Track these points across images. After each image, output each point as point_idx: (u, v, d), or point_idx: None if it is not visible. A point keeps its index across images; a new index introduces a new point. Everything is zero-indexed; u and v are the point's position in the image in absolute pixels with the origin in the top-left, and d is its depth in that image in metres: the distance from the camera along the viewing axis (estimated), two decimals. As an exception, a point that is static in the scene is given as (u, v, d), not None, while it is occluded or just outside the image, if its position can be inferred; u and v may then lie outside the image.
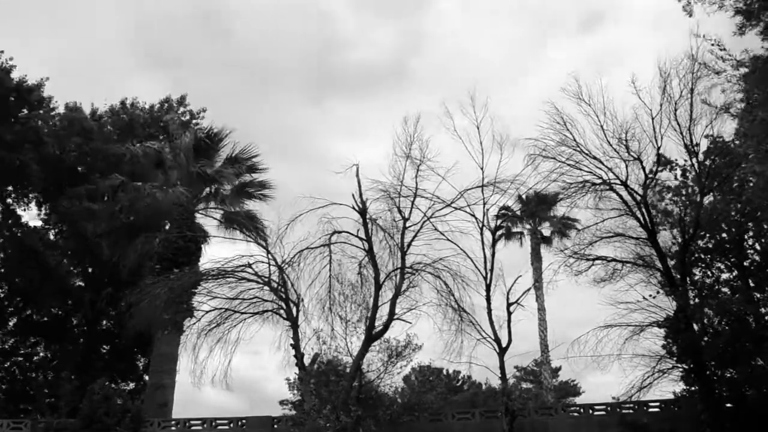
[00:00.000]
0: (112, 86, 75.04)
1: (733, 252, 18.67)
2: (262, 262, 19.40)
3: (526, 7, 79.33)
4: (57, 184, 32.46)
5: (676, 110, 18.61)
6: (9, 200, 33.18)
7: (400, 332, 18.31)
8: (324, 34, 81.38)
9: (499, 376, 18.49)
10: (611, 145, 19.25)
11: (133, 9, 77.42)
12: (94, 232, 30.38)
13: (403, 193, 19.21)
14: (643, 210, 19.08)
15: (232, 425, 20.52)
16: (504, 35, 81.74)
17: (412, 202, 19.17)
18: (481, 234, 19.24)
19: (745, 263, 18.68)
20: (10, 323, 34.08)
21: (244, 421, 20.56)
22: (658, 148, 18.98)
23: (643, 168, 19.13)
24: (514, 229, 35.01)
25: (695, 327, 17.79)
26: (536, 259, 33.59)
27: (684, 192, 19.15)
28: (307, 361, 18.46)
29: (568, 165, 19.44)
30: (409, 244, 18.95)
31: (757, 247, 18.80)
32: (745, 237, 18.79)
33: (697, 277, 19.07)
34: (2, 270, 32.95)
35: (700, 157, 18.82)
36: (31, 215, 33.97)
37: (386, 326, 18.14)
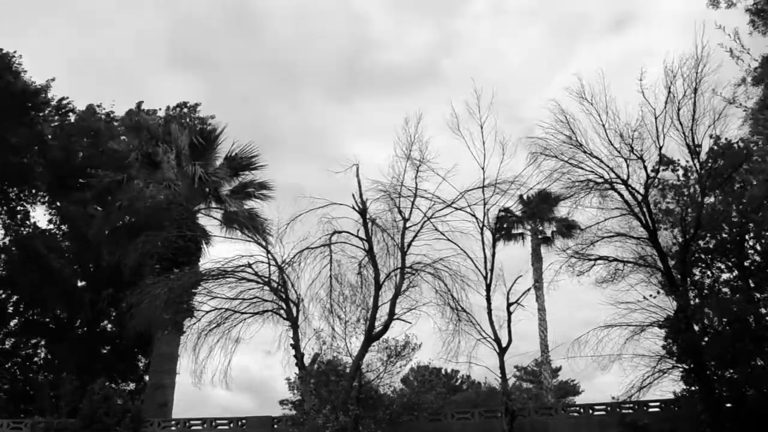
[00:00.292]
0: (143, 86, 75.57)
1: (734, 252, 18.64)
2: (262, 262, 19.44)
3: (557, 8, 79.42)
4: (62, 186, 32.54)
5: (679, 110, 18.58)
6: (14, 203, 33.27)
7: (399, 332, 18.32)
8: (355, 35, 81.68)
9: (499, 376, 18.48)
10: (613, 145, 19.24)
11: (165, 9, 77.79)
12: (95, 234, 30.43)
13: (404, 193, 19.22)
14: (645, 209, 19.06)
15: (232, 425, 20.53)
16: (534, 36, 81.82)
17: (413, 203, 19.18)
18: (482, 234, 19.24)
19: (745, 263, 18.64)
20: (12, 324, 34.13)
21: (244, 421, 20.57)
22: (660, 148, 18.96)
23: (645, 167, 19.08)
24: (515, 231, 35.00)
25: (695, 327, 17.76)
26: (537, 259, 33.57)
27: (685, 192, 19.12)
28: (307, 361, 18.45)
29: (570, 164, 19.44)
30: (409, 244, 18.94)
31: (758, 247, 18.76)
32: (746, 237, 18.75)
33: (697, 277, 19.02)
34: (5, 272, 32.99)
35: (702, 157, 18.80)
36: (35, 218, 34.15)
37: (386, 326, 18.12)
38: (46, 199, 33.97)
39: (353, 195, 19.00)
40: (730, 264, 18.85)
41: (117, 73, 71.58)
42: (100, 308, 32.47)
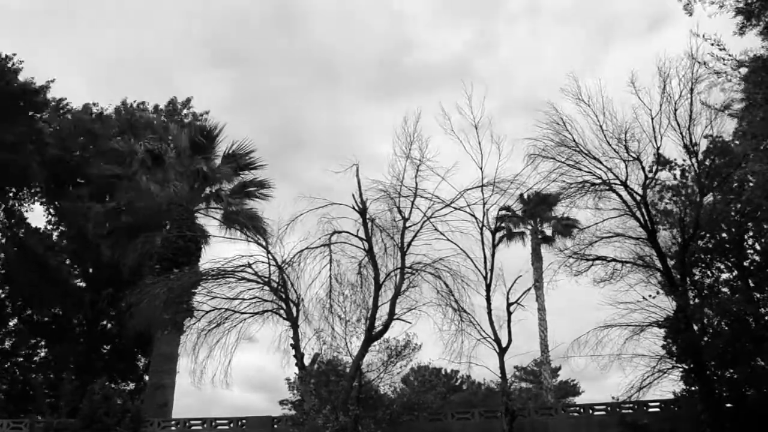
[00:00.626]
0: (180, 83, 75.72)
1: (733, 252, 18.67)
2: (262, 262, 19.43)
3: (593, 9, 79.31)
4: (59, 185, 32.53)
5: (675, 110, 18.61)
6: (11, 201, 33.27)
7: (399, 332, 18.33)
8: (393, 34, 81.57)
9: (499, 376, 18.49)
10: (611, 146, 19.25)
11: (203, 6, 77.97)
12: (95, 233, 30.43)
13: (403, 192, 19.20)
14: (643, 210, 19.06)
15: (232, 425, 20.54)
16: (568, 36, 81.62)
17: (412, 202, 19.17)
18: (481, 234, 19.22)
19: (744, 263, 18.68)
20: (11, 323, 34.13)
21: (244, 420, 20.58)
22: (658, 148, 18.99)
23: (643, 168, 19.12)
24: (515, 230, 35.02)
25: (695, 327, 17.78)
26: (537, 259, 33.60)
27: (683, 192, 19.14)
28: (307, 361, 18.45)
29: (568, 165, 19.44)
30: (409, 244, 18.93)
31: (757, 247, 18.81)
32: (745, 237, 18.79)
33: (697, 277, 19.06)
34: (3, 271, 32.99)
35: (700, 157, 18.82)
36: (33, 216, 34.20)
37: (386, 326, 18.12)
38: (44, 198, 33.97)
39: (353, 195, 19.02)
40: (729, 264, 18.88)
41: (153, 72, 72.04)
42: (100, 308, 32.49)
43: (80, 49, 72.99)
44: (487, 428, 19.24)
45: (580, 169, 19.46)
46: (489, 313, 18.52)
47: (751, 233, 18.78)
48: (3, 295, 33.54)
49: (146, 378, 29.80)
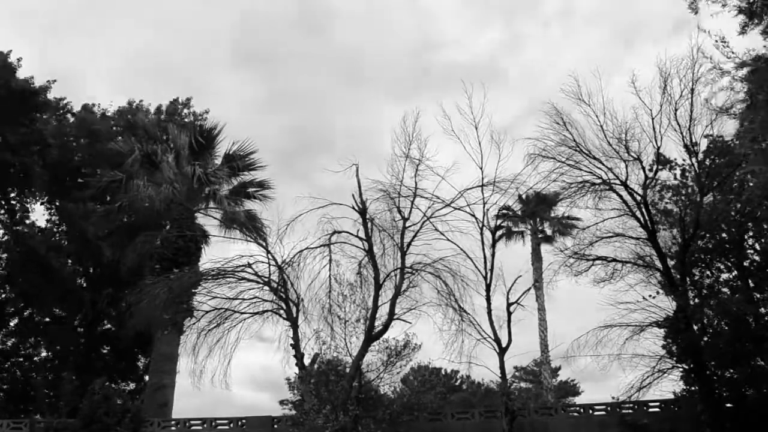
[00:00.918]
0: (206, 83, 75.58)
1: (733, 252, 18.67)
2: (262, 262, 19.41)
3: (622, 11, 79.13)
4: (61, 186, 32.54)
5: (676, 110, 18.58)
6: (13, 202, 33.30)
7: (399, 332, 18.31)
8: (419, 34, 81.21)
9: (499, 376, 18.48)
10: (611, 145, 19.24)
11: (229, 6, 77.73)
12: (95, 233, 30.43)
13: (403, 192, 19.19)
14: (643, 210, 19.06)
15: (231, 425, 20.53)
16: (598, 38, 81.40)
17: (412, 202, 19.14)
18: (481, 234, 19.20)
19: (745, 263, 18.68)
20: (11, 324, 34.14)
21: (244, 420, 20.57)
22: (658, 148, 18.97)
23: (643, 168, 19.11)
24: (515, 229, 35.02)
25: (695, 327, 17.78)
26: (537, 258, 33.60)
27: (684, 192, 19.15)
28: (307, 361, 18.45)
29: (568, 165, 19.43)
30: (409, 244, 18.91)
31: (757, 247, 18.80)
32: (745, 237, 18.78)
33: (697, 277, 19.05)
34: (4, 272, 33.01)
35: (700, 157, 18.81)
36: (34, 216, 34.18)
37: (386, 326, 18.11)
38: (46, 198, 34.00)
39: (353, 195, 18.99)
40: (729, 264, 18.87)
41: (178, 72, 72.03)
42: (100, 308, 32.48)
43: (109, 50, 73.08)
44: (487, 428, 19.23)
45: (581, 169, 19.46)
46: (489, 313, 18.52)
47: (751, 233, 18.77)
48: (4, 296, 33.55)
49: (146, 378, 29.79)
